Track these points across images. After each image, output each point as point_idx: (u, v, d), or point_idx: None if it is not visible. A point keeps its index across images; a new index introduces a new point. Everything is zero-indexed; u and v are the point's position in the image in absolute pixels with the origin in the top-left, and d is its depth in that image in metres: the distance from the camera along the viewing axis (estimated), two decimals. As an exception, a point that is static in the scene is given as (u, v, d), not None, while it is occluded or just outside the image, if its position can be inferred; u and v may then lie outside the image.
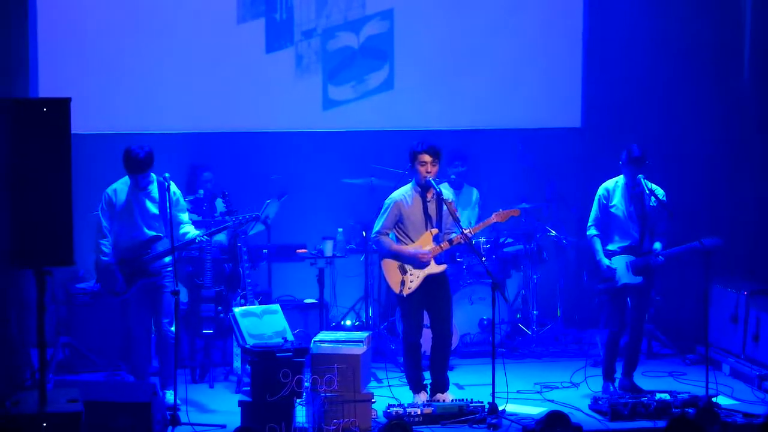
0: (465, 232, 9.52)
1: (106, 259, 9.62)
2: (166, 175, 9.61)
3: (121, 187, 9.70)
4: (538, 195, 12.04)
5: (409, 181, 9.80)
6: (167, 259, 9.58)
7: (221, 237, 10.89)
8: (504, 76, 12.61)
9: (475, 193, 11.97)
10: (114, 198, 9.65)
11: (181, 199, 9.86)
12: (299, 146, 12.36)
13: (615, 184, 9.98)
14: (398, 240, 9.68)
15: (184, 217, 9.85)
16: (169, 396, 9.28)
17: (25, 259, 7.53)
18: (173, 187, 9.74)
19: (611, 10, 12.56)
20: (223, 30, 12.18)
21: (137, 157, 9.51)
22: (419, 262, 9.55)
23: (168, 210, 9.51)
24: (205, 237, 9.72)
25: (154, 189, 9.68)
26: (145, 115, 12.00)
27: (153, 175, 9.68)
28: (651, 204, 9.83)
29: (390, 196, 9.78)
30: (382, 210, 9.75)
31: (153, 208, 9.66)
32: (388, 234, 9.67)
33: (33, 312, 7.92)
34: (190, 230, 9.77)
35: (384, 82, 12.54)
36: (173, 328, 9.56)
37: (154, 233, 9.65)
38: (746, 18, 11.65)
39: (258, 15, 12.29)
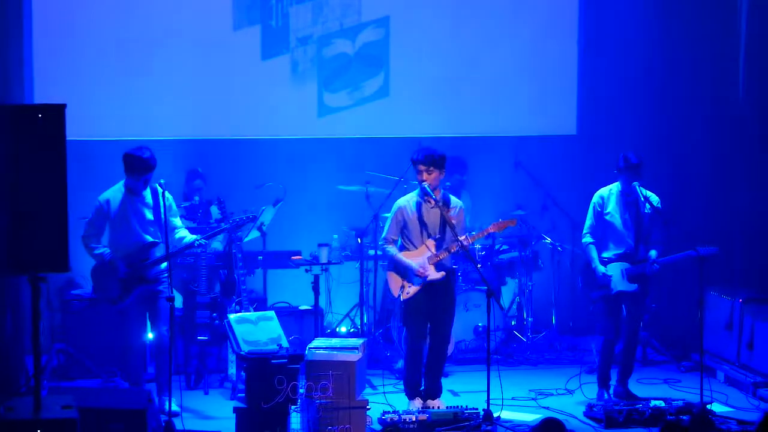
0: (461, 239, 9.53)
1: (99, 251, 9.55)
2: (162, 181, 9.58)
3: (114, 194, 9.67)
4: (533, 202, 12.04)
5: (405, 188, 9.83)
6: (164, 265, 9.57)
7: (216, 244, 10.89)
8: (499, 83, 12.63)
9: (467, 200, 11.99)
10: (107, 207, 9.61)
11: (174, 205, 9.85)
12: (294, 153, 12.37)
13: (609, 191, 9.98)
14: (403, 245, 9.71)
15: (178, 222, 9.85)
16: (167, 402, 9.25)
17: (20, 266, 7.51)
18: (166, 193, 9.73)
19: (606, 19, 12.59)
20: (219, 37, 12.19)
21: (143, 156, 9.46)
22: (415, 277, 9.58)
23: (163, 215, 9.49)
24: (203, 241, 9.71)
25: (147, 195, 9.66)
26: (140, 122, 12.00)
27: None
28: (646, 211, 9.84)
29: (396, 202, 9.83)
30: (389, 216, 9.81)
31: (148, 214, 9.64)
32: (395, 240, 9.71)
33: (28, 318, 7.91)
34: (185, 235, 9.77)
35: (379, 89, 12.55)
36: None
37: (150, 239, 9.63)
38: (742, 25, 11.67)
39: (254, 22, 12.30)
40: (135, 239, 9.61)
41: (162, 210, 9.51)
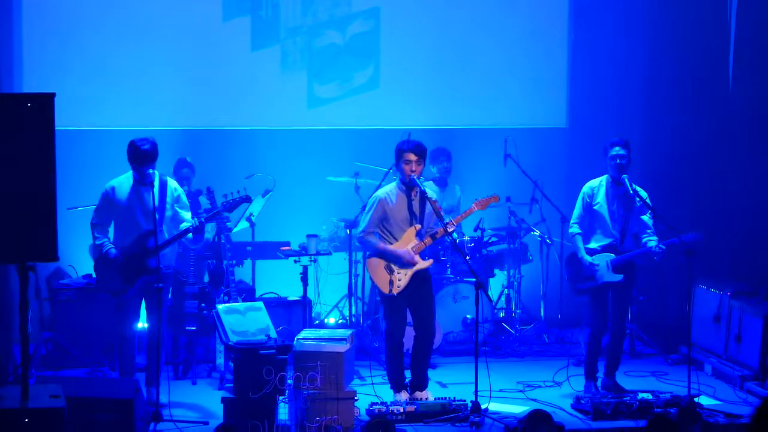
0: (447, 223, 9.51)
1: (100, 242, 9.47)
2: (150, 171, 9.49)
3: (122, 182, 9.54)
4: (523, 194, 12.04)
5: (394, 179, 9.81)
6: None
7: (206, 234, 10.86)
8: (490, 75, 12.65)
9: (457, 190, 12.01)
10: (113, 194, 9.50)
11: (183, 197, 9.74)
12: (284, 144, 12.37)
13: (600, 182, 9.98)
14: (382, 238, 9.66)
15: (187, 215, 9.70)
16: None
17: (8, 255, 7.50)
18: (174, 184, 9.67)
19: (597, 11, 12.59)
20: (209, 27, 12.19)
21: (144, 148, 9.35)
22: (406, 263, 9.55)
23: (164, 205, 9.44)
24: (197, 222, 9.54)
25: (155, 184, 9.55)
26: (129, 112, 12.00)
27: (156, 171, 9.55)
28: (636, 204, 9.84)
29: (374, 195, 9.77)
30: (367, 208, 9.75)
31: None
32: (373, 233, 9.65)
33: (16, 307, 7.90)
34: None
35: (369, 80, 12.55)
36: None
37: (153, 228, 9.48)
38: (731, 19, 11.69)
39: (244, 12, 12.30)
40: (136, 227, 9.47)
41: (168, 200, 9.45)
